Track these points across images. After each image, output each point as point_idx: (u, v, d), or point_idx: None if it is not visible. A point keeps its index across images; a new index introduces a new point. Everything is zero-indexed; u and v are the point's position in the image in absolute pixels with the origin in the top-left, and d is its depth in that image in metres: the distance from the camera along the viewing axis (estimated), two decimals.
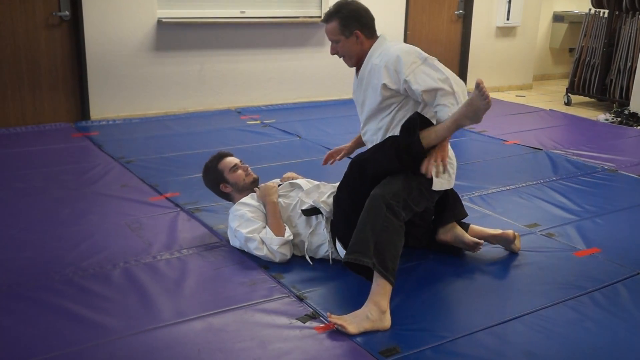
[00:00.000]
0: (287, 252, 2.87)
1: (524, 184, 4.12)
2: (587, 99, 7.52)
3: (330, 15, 2.82)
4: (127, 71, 5.78)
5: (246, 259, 2.93)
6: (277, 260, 2.86)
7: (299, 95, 6.71)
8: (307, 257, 2.90)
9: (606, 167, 4.54)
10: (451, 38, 7.72)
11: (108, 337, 2.29)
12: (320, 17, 6.63)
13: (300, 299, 2.59)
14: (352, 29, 2.78)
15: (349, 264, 2.49)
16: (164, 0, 5.84)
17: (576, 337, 2.37)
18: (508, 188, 4.04)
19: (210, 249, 3.05)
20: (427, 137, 2.57)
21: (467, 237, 2.92)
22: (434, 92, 2.61)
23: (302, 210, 2.91)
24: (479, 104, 2.46)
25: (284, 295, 2.63)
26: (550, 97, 7.83)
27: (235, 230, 2.94)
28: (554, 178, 4.27)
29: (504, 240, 3.05)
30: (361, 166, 2.66)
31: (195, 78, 6.12)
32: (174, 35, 5.92)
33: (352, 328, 2.34)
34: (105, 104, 5.73)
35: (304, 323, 2.41)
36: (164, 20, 5.79)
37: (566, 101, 7.42)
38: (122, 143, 4.92)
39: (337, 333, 2.34)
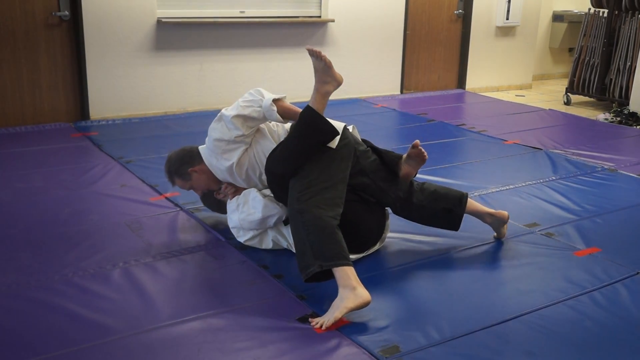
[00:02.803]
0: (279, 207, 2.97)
1: (523, 184, 4.12)
2: (586, 98, 7.53)
3: (170, 179, 3.20)
4: (127, 71, 5.78)
5: (246, 259, 2.94)
6: (280, 205, 2.92)
7: (299, 95, 6.69)
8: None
9: (606, 167, 4.54)
10: (451, 38, 7.72)
11: (108, 337, 2.29)
12: (320, 16, 6.64)
13: (300, 298, 2.59)
14: (187, 172, 3.12)
15: (309, 280, 2.53)
16: (163, 0, 5.84)
17: (576, 337, 2.37)
18: (508, 188, 4.04)
19: (210, 248, 3.05)
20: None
21: (408, 151, 2.91)
22: (242, 111, 2.84)
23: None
24: (319, 65, 2.72)
25: (283, 295, 2.63)
26: (549, 97, 7.84)
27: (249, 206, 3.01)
28: (554, 178, 4.27)
29: (498, 221, 3.11)
30: (271, 171, 2.79)
31: (195, 78, 6.12)
32: (173, 35, 5.92)
33: (335, 313, 2.37)
34: (105, 104, 5.73)
35: (304, 323, 2.41)
36: (163, 20, 5.79)
37: (566, 101, 7.42)
38: (121, 143, 4.92)
39: (337, 333, 2.34)
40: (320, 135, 2.72)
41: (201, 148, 3.09)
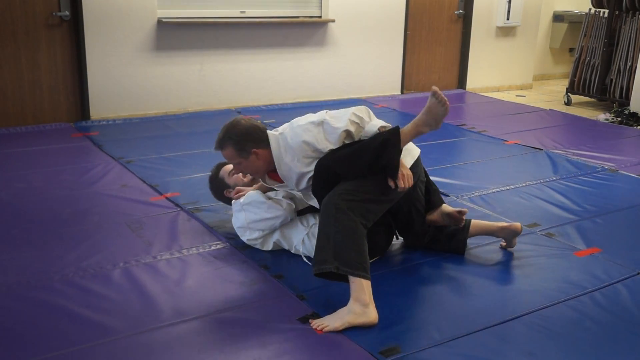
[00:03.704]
0: (292, 204, 2.97)
1: (524, 184, 4.12)
2: (587, 98, 7.52)
3: (222, 142, 2.79)
4: (128, 71, 5.78)
5: (247, 259, 2.94)
6: (283, 207, 2.91)
7: (299, 95, 6.71)
8: (304, 258, 2.93)
9: (606, 167, 4.54)
10: (451, 38, 7.72)
11: (108, 337, 2.29)
12: (320, 17, 6.64)
13: (301, 299, 2.59)
14: (248, 150, 2.75)
15: (320, 275, 2.49)
16: (164, 0, 5.84)
17: (576, 337, 2.37)
18: (508, 188, 4.04)
19: (210, 248, 3.05)
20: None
21: (450, 209, 2.98)
22: (350, 126, 2.63)
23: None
24: (438, 110, 2.58)
25: (283, 295, 2.63)
26: (550, 97, 7.83)
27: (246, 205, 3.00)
28: (554, 178, 4.27)
29: (511, 233, 3.03)
30: (327, 167, 2.64)
31: (195, 78, 6.12)
32: (174, 35, 5.92)
33: (336, 323, 2.36)
34: (105, 104, 5.73)
35: (304, 323, 2.41)
36: (164, 20, 5.79)
37: (566, 101, 7.42)
38: (122, 143, 4.92)
39: (337, 333, 2.34)
40: (385, 159, 2.56)
41: (271, 134, 2.79)
